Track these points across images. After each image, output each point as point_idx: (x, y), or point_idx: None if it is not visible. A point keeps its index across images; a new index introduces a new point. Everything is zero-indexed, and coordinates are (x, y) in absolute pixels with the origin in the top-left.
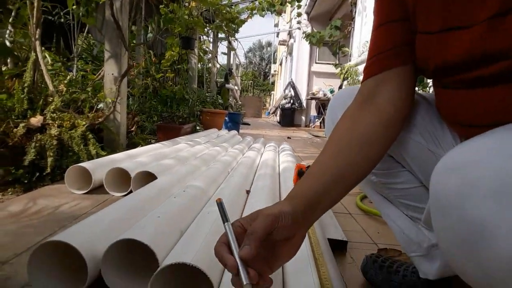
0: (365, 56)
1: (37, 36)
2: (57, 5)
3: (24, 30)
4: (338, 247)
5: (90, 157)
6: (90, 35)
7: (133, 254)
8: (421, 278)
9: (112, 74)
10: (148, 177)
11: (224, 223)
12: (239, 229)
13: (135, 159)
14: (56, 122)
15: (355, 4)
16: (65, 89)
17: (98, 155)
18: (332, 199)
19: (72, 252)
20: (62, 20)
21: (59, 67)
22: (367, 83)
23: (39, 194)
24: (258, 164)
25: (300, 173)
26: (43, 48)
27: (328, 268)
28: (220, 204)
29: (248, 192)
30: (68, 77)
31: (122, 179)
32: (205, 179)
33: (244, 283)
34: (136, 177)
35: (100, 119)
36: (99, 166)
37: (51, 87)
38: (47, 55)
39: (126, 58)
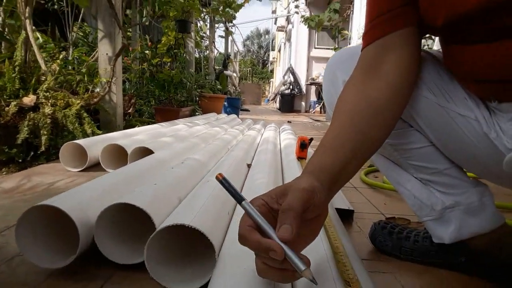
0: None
1: (27, 15)
2: None
3: (14, 10)
4: (344, 217)
5: (85, 136)
6: (85, 23)
7: (129, 221)
8: (434, 243)
9: (107, 54)
10: (146, 154)
11: (239, 202)
12: (264, 208)
13: (132, 137)
14: (50, 101)
15: None
16: (58, 68)
17: (94, 134)
18: (350, 172)
19: (63, 219)
20: (56, 6)
21: (52, 48)
22: (369, 50)
23: (34, 172)
24: (259, 142)
25: (303, 145)
26: (34, 27)
27: (336, 229)
28: (224, 181)
29: (249, 166)
30: (61, 56)
31: (119, 157)
32: (204, 153)
33: (302, 268)
34: (133, 153)
35: (95, 100)
36: (95, 143)
37: (43, 66)
38: (39, 35)
39: (120, 37)
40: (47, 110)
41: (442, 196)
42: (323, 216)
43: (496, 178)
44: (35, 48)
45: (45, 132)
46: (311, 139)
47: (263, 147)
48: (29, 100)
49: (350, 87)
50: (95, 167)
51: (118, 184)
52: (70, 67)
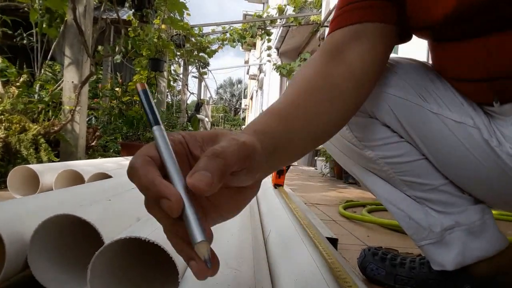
0: None
1: None
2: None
3: None
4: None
5: (40, 163)
6: (54, 62)
7: (74, 242)
8: (433, 270)
9: (72, 81)
10: None
11: (151, 126)
12: (180, 147)
13: (92, 166)
14: (3, 124)
15: (323, 39)
16: (16, 92)
17: (51, 162)
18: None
19: None
20: (25, 41)
21: (13, 74)
22: (334, 35)
23: None
24: None
25: (279, 170)
26: None
27: (327, 246)
28: (143, 92)
29: None
30: (22, 79)
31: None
32: None
33: (198, 239)
34: (91, 181)
35: (55, 128)
36: (49, 170)
37: (0, 89)
38: None
39: (88, 65)
40: (0, 133)
41: (439, 216)
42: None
43: (500, 199)
44: None
45: None
46: (288, 167)
47: None
48: None
49: (311, 66)
50: None
51: (67, 199)
52: (33, 96)
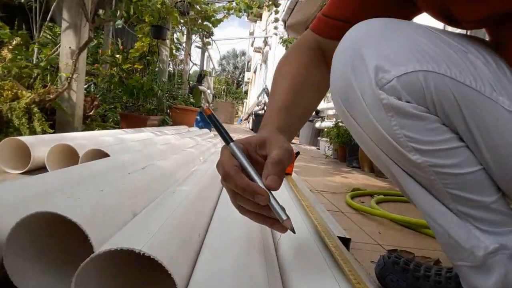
0: None
1: None
2: None
3: None
4: None
5: (33, 134)
6: (55, 23)
7: (59, 240)
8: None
9: (70, 47)
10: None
11: (228, 142)
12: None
13: (87, 139)
14: None
15: None
16: (9, 55)
17: (45, 133)
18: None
19: None
20: (23, 0)
21: (7, 36)
22: (311, 34)
23: None
24: None
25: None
26: None
27: (347, 257)
28: (212, 117)
29: None
30: (15, 42)
31: (70, 161)
32: (172, 161)
33: (284, 218)
34: (86, 157)
35: (51, 96)
36: (42, 142)
37: None
38: None
39: (86, 30)
40: None
41: (484, 236)
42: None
43: None
44: None
45: None
46: (298, 153)
47: None
48: None
49: (301, 63)
50: (40, 170)
51: (55, 188)
52: (31, 60)
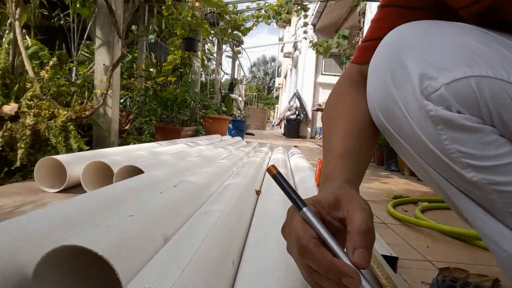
0: None
1: (17, 16)
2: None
3: (2, 10)
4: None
5: (70, 152)
6: (91, 41)
7: (89, 270)
8: None
9: (104, 64)
10: (136, 175)
11: (300, 208)
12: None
13: (123, 155)
14: (33, 111)
15: (364, 14)
16: (47, 75)
17: (81, 150)
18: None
19: None
20: (62, 22)
21: (46, 57)
22: (355, 66)
23: (2, 191)
24: (267, 165)
25: None
26: (24, 31)
27: None
28: (279, 176)
29: (258, 192)
30: (51, 62)
31: (105, 177)
32: (204, 176)
33: None
34: (121, 173)
35: (87, 112)
36: (78, 160)
37: (30, 73)
38: (28, 39)
39: (119, 47)
40: (28, 120)
41: None
42: None
43: None
44: (23, 52)
45: (23, 145)
46: None
47: None
48: (9, 108)
49: (349, 101)
50: (76, 188)
51: (84, 213)
52: (64, 79)
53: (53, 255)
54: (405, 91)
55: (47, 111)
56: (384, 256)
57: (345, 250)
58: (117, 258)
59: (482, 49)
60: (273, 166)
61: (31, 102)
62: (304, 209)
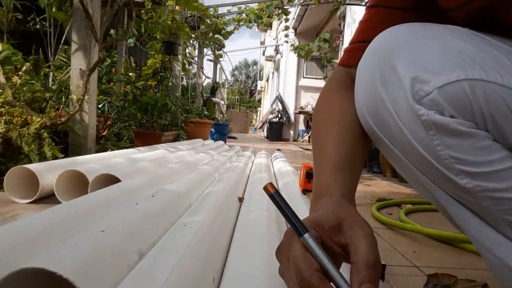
0: None
1: None
2: (31, 7)
3: None
4: None
5: (44, 160)
6: (69, 46)
7: None
8: None
9: (80, 68)
10: (113, 183)
11: (301, 234)
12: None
13: (99, 162)
14: (4, 118)
15: (344, 17)
16: (19, 81)
17: (55, 159)
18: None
19: None
20: (38, 26)
21: (19, 62)
22: (342, 69)
23: None
24: (250, 170)
25: (310, 174)
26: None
27: None
28: (276, 196)
29: (241, 199)
30: (24, 68)
31: (80, 186)
32: (184, 183)
33: None
34: (96, 182)
35: (62, 119)
36: (52, 169)
37: (1, 78)
38: None
39: (96, 51)
40: None
41: None
42: None
43: None
44: None
45: None
46: None
47: (256, 176)
48: None
49: (339, 105)
50: (50, 198)
51: (52, 228)
52: (46, 84)
53: (13, 279)
54: (396, 95)
55: (19, 118)
56: None
57: (349, 281)
58: (84, 280)
59: (475, 51)
60: (271, 184)
61: (2, 109)
62: (306, 235)
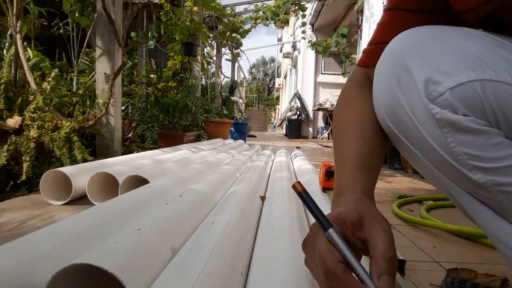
0: None
1: (18, 29)
2: (56, 12)
3: (2, 23)
4: None
5: (75, 163)
6: (91, 49)
7: (100, 285)
8: None
9: (105, 73)
10: (141, 184)
11: (325, 229)
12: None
13: (127, 164)
14: (36, 123)
15: (362, 11)
16: (49, 87)
17: (85, 161)
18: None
19: None
20: (62, 31)
21: (48, 68)
22: (361, 69)
23: (8, 205)
24: (271, 169)
25: (329, 173)
26: (25, 43)
27: None
28: (303, 194)
29: (263, 198)
30: (53, 74)
31: (111, 187)
32: (209, 183)
33: None
34: (126, 183)
35: (90, 122)
36: (83, 171)
37: (33, 85)
38: (29, 50)
39: (120, 55)
40: (32, 133)
41: None
42: None
43: None
44: (24, 65)
45: (28, 158)
46: None
47: (276, 175)
48: (13, 122)
49: (360, 106)
50: (83, 199)
51: (91, 228)
52: (66, 89)
53: (62, 274)
54: (411, 96)
55: (50, 123)
56: None
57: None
58: (127, 275)
59: (486, 53)
60: (299, 183)
61: (35, 114)
62: (330, 230)
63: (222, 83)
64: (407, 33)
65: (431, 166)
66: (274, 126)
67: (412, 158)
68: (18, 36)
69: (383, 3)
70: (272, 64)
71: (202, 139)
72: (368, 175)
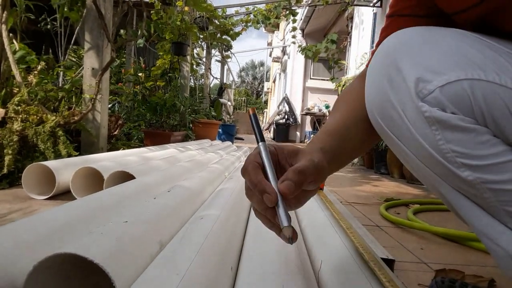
0: (363, 68)
1: (3, 19)
2: (44, 7)
3: None
4: None
5: (59, 158)
6: (79, 46)
7: (83, 281)
8: None
9: (92, 68)
10: (127, 180)
11: (258, 141)
12: (273, 157)
13: (113, 160)
14: (20, 116)
15: (352, 18)
16: (35, 80)
17: (70, 156)
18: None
19: None
20: (49, 27)
21: (34, 61)
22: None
23: None
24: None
25: None
26: (11, 34)
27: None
28: (253, 117)
29: None
30: (39, 67)
31: (95, 184)
32: (197, 180)
33: (285, 224)
34: (111, 179)
35: (75, 118)
36: (67, 166)
37: (18, 78)
38: (15, 43)
39: (108, 51)
40: (16, 126)
41: None
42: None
43: None
44: (10, 57)
45: (10, 151)
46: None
47: None
48: None
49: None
50: (66, 194)
51: (76, 220)
52: (52, 84)
53: (45, 265)
54: (401, 94)
55: (35, 117)
56: (381, 259)
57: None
58: (113, 265)
59: (475, 53)
60: (253, 108)
61: (19, 107)
62: (260, 143)
63: (211, 85)
64: (399, 33)
65: (421, 164)
66: (262, 130)
67: (402, 156)
68: (3, 27)
69: (373, 10)
70: (261, 68)
71: (190, 139)
72: (335, 142)
